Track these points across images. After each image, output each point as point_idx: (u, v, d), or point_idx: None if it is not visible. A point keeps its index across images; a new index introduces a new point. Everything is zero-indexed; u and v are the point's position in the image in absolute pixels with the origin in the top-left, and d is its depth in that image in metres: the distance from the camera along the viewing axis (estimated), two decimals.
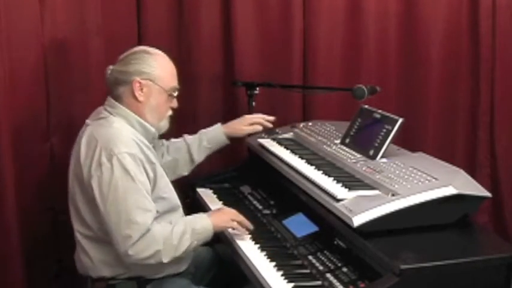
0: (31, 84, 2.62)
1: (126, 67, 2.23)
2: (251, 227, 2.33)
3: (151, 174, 2.17)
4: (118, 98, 2.24)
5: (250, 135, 2.78)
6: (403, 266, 1.75)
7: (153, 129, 2.27)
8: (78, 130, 2.29)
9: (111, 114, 2.22)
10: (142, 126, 2.24)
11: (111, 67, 2.27)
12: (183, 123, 3.20)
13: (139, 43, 3.09)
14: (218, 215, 2.31)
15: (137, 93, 2.22)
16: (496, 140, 3.48)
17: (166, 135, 2.71)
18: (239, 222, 2.29)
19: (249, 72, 3.17)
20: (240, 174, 2.93)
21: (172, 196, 2.30)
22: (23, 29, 2.57)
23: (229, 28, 3.15)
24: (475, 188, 2.12)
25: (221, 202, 2.67)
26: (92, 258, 2.19)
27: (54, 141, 2.77)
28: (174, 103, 2.33)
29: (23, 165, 2.55)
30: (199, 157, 2.64)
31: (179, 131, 2.97)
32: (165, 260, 2.12)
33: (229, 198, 2.70)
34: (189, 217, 2.27)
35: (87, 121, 2.26)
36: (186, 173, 2.65)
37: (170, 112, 2.34)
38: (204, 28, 3.15)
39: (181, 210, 2.33)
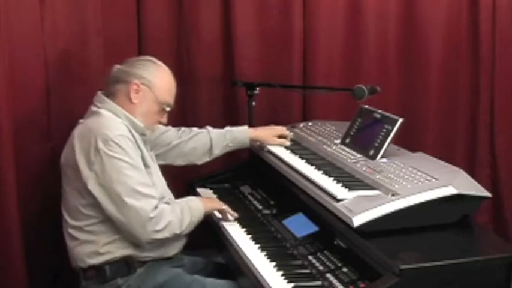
0: (31, 85, 2.62)
1: (129, 68, 2.32)
2: (235, 215, 2.46)
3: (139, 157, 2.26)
4: (111, 95, 2.31)
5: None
6: (403, 266, 1.74)
7: (141, 124, 2.31)
8: None
9: (99, 108, 2.28)
10: (128, 120, 2.29)
11: (118, 66, 2.35)
12: (183, 123, 3.20)
13: (139, 44, 3.09)
14: (209, 200, 2.52)
15: (132, 95, 2.29)
16: (496, 140, 3.48)
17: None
18: (224, 210, 2.47)
19: (249, 72, 3.17)
20: (240, 174, 2.93)
21: (162, 185, 2.39)
22: (23, 30, 2.57)
23: (229, 28, 3.15)
24: (475, 188, 2.12)
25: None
26: (87, 247, 2.23)
27: (55, 142, 2.76)
28: (164, 119, 2.40)
29: (24, 166, 2.55)
30: (218, 152, 2.72)
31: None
32: (178, 231, 2.23)
33: (229, 198, 2.69)
34: (181, 199, 2.40)
35: (80, 120, 2.32)
36: (199, 163, 2.73)
37: (158, 125, 2.43)
38: (204, 28, 3.15)
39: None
